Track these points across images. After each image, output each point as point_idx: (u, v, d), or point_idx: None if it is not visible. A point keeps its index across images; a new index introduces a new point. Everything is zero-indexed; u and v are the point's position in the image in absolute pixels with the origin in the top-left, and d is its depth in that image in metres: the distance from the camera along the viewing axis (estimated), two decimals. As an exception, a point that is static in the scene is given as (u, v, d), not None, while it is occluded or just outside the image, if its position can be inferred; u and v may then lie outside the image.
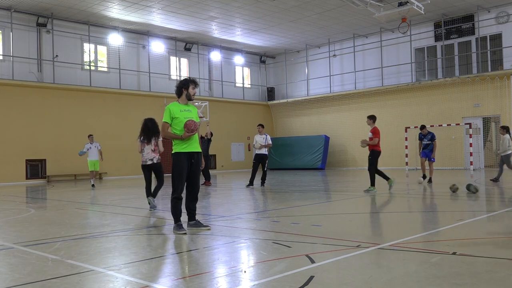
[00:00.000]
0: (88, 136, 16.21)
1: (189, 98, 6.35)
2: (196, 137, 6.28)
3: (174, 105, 6.30)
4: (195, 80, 6.47)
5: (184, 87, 6.32)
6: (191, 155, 6.20)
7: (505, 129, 13.50)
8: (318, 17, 22.25)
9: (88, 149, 15.81)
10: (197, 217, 6.58)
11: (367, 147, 11.25)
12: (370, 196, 10.27)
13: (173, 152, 6.21)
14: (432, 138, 13.85)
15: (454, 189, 10.34)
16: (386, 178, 11.29)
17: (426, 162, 13.94)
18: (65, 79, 21.46)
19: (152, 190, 9.17)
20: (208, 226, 6.33)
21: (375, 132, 11.05)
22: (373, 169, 11.12)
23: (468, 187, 10.13)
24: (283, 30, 24.44)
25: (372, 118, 11.41)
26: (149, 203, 8.97)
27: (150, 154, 9.06)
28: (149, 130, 9.02)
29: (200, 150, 6.35)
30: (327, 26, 23.91)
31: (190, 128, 6.08)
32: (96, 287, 3.81)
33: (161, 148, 9.22)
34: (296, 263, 4.30)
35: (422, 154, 14.00)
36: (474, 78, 21.61)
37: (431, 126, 21.97)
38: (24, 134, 19.98)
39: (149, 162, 9.10)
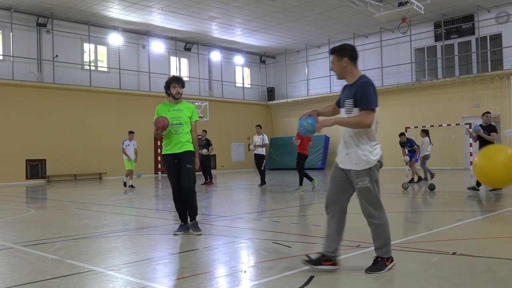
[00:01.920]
0: (129, 133, 14.90)
1: (174, 98, 6.12)
2: (180, 137, 5.96)
3: (163, 105, 6.16)
4: (177, 78, 6.19)
5: (166, 87, 6.13)
6: (174, 155, 5.99)
7: (425, 132, 14.03)
8: (318, 17, 22.25)
9: (127, 146, 14.68)
10: (197, 217, 6.52)
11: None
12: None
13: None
14: (411, 145, 13.78)
15: (405, 187, 11.26)
16: (310, 179, 12.35)
17: (417, 165, 13.96)
18: (65, 79, 21.45)
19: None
20: (199, 232, 5.95)
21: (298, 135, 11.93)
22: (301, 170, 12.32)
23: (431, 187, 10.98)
24: (283, 30, 24.43)
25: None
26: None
27: None
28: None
29: (188, 150, 6.00)
30: (327, 26, 23.91)
31: (156, 124, 5.85)
32: (96, 287, 3.81)
33: None
34: (296, 263, 4.30)
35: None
36: (474, 78, 21.61)
37: (431, 126, 21.97)
38: (24, 134, 19.98)
39: None
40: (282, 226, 6.69)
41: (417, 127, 22.70)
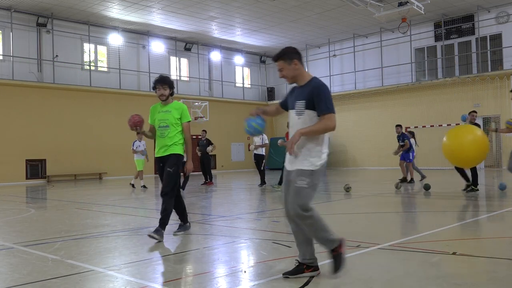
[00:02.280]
0: (138, 133, 15.20)
1: (160, 99, 5.90)
2: (166, 140, 5.73)
3: (155, 106, 6.00)
4: (160, 79, 5.87)
5: (153, 89, 5.92)
6: (160, 159, 5.81)
7: (411, 134, 14.25)
8: (318, 17, 22.25)
9: (137, 147, 14.52)
10: (196, 216, 6.54)
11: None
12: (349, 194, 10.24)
13: None
14: (403, 140, 13.72)
15: (346, 188, 11.27)
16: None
17: (410, 164, 13.86)
18: (65, 79, 21.45)
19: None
20: (154, 237, 5.45)
21: None
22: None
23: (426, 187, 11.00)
24: (283, 30, 24.43)
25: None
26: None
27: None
28: None
29: (172, 153, 5.73)
30: (327, 26, 23.91)
31: (128, 122, 5.72)
32: (96, 287, 3.81)
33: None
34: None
35: (400, 156, 13.88)
36: (474, 78, 21.61)
37: (431, 126, 22.00)
38: (24, 134, 19.98)
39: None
40: (282, 226, 6.68)
41: (417, 127, 22.73)
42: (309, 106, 3.74)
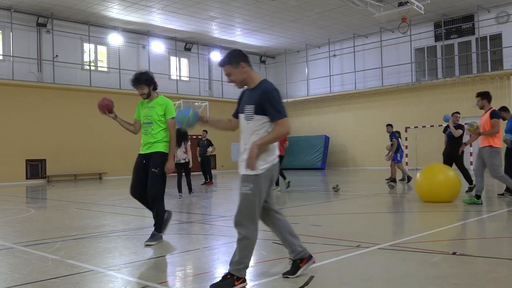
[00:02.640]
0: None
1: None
2: (149, 138, 5.49)
3: (142, 101, 5.81)
4: (133, 79, 5.63)
5: None
6: (143, 156, 5.54)
7: (397, 133, 14.26)
8: (318, 17, 22.24)
9: None
10: (196, 216, 6.53)
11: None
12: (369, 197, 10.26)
13: None
14: (391, 138, 13.74)
15: (336, 189, 11.33)
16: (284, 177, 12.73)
17: (400, 164, 13.86)
18: (65, 79, 21.45)
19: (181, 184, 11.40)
20: (150, 242, 5.32)
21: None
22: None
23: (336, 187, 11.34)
24: (283, 30, 24.43)
25: None
26: (181, 196, 11.09)
27: (183, 155, 11.31)
28: (179, 136, 10.05)
29: (156, 151, 5.46)
30: (327, 26, 23.91)
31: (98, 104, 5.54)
32: (96, 287, 3.81)
33: (188, 148, 11.54)
34: (296, 263, 4.29)
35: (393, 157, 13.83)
36: (474, 78, 21.61)
37: (431, 126, 22.00)
38: (24, 134, 19.98)
39: (182, 161, 11.31)
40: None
41: (417, 127, 22.74)
42: (258, 111, 3.59)
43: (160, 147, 5.48)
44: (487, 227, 6.43)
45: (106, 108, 5.61)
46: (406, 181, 13.77)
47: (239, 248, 3.61)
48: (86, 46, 22.59)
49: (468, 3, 20.99)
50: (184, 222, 7.24)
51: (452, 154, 10.60)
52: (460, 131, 10.58)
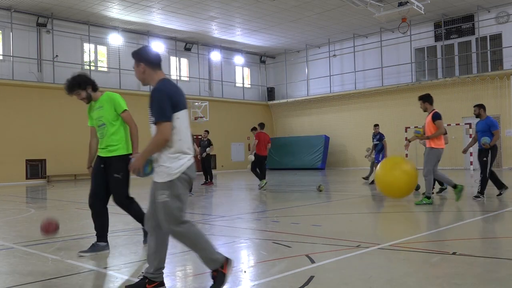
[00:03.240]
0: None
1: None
2: (105, 140, 5.08)
3: (90, 105, 5.46)
4: (66, 87, 5.37)
5: None
6: (101, 159, 5.14)
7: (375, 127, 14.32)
8: (318, 17, 22.24)
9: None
10: (196, 216, 6.52)
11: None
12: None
13: None
14: (380, 138, 13.70)
15: (320, 189, 11.49)
16: (260, 178, 13.06)
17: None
18: (65, 79, 21.36)
19: None
20: (84, 252, 4.93)
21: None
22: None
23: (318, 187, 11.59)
24: (283, 30, 24.43)
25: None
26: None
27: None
28: None
29: (117, 154, 5.05)
30: (327, 26, 23.91)
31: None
32: (96, 287, 3.81)
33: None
34: (296, 263, 4.30)
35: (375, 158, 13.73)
36: (474, 78, 21.61)
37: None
38: (24, 134, 19.97)
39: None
40: (282, 226, 6.68)
41: (417, 127, 22.72)
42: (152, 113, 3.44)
43: (120, 150, 5.04)
44: (487, 227, 6.42)
45: (51, 232, 4.98)
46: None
47: (191, 245, 3.49)
48: (86, 46, 22.59)
49: (468, 3, 20.99)
50: (184, 222, 7.23)
51: None
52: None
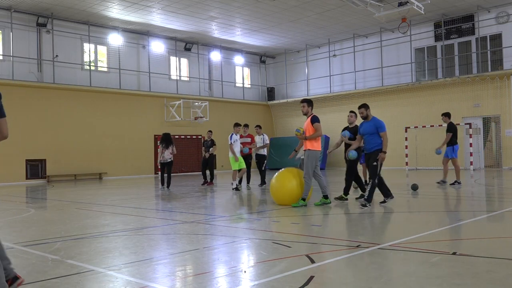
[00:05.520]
0: (236, 126, 13.56)
1: None
2: None
3: None
4: None
5: None
6: None
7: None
8: (318, 17, 22.24)
9: (235, 141, 13.05)
10: (196, 216, 6.52)
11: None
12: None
13: None
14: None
15: (354, 187, 11.10)
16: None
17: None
18: (65, 79, 21.45)
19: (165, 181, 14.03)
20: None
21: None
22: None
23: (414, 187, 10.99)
24: (283, 30, 24.43)
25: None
26: (163, 188, 13.89)
27: (169, 155, 13.80)
28: (167, 139, 13.92)
29: None
30: (327, 26, 23.91)
31: None
32: (96, 287, 3.81)
33: (174, 151, 13.95)
34: (296, 263, 4.30)
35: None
36: (474, 78, 21.61)
37: (431, 126, 21.99)
38: (24, 134, 19.97)
39: (168, 160, 13.87)
40: (282, 226, 6.68)
41: (417, 127, 22.72)
42: None
43: None
44: (487, 227, 6.42)
45: None
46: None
47: None
48: (86, 46, 22.58)
49: (468, 3, 20.99)
50: (184, 222, 7.24)
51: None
52: (360, 138, 9.46)
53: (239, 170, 13.08)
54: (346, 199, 9.29)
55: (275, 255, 4.67)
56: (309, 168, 8.66)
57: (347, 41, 26.51)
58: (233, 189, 12.86)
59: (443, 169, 12.94)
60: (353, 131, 10.26)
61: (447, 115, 12.63)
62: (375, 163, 8.27)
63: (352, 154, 9.12)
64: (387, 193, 8.59)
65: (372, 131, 8.37)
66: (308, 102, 9.05)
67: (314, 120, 8.88)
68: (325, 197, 8.86)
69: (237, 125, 13.43)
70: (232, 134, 13.20)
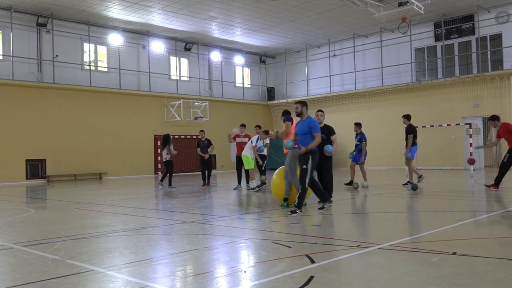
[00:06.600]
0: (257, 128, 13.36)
1: None
2: None
3: None
4: None
5: None
6: None
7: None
8: (318, 17, 22.24)
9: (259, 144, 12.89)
10: (196, 216, 6.52)
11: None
12: (370, 195, 10.25)
13: None
14: (361, 139, 13.28)
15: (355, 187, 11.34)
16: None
17: (357, 166, 13.21)
18: (65, 79, 21.44)
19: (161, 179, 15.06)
20: None
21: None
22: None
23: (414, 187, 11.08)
24: (283, 30, 24.43)
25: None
26: (161, 185, 14.83)
27: (166, 155, 14.57)
28: (162, 140, 14.75)
29: None
30: (327, 26, 23.90)
31: None
32: (96, 287, 3.81)
33: (173, 152, 14.65)
34: (296, 263, 4.30)
35: (352, 157, 13.25)
36: (474, 78, 21.61)
37: (431, 126, 22.00)
38: (24, 134, 19.97)
39: (165, 159, 14.59)
40: (282, 226, 6.69)
41: (417, 127, 22.68)
42: None
43: None
44: (487, 227, 6.42)
45: None
46: (356, 186, 12.63)
47: None
48: (86, 46, 22.58)
49: (468, 3, 20.99)
50: (184, 222, 7.23)
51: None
52: (336, 137, 9.40)
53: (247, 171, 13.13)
54: (331, 205, 8.37)
55: (275, 255, 4.67)
56: (287, 166, 8.48)
57: (347, 41, 26.51)
58: (252, 188, 12.53)
59: (409, 170, 13.03)
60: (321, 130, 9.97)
61: (407, 117, 13.05)
62: (304, 166, 7.65)
63: (329, 148, 8.57)
64: (324, 197, 7.99)
65: (306, 131, 7.81)
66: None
67: (286, 119, 9.22)
68: (284, 199, 8.62)
69: (259, 127, 13.55)
70: (258, 137, 13.03)
